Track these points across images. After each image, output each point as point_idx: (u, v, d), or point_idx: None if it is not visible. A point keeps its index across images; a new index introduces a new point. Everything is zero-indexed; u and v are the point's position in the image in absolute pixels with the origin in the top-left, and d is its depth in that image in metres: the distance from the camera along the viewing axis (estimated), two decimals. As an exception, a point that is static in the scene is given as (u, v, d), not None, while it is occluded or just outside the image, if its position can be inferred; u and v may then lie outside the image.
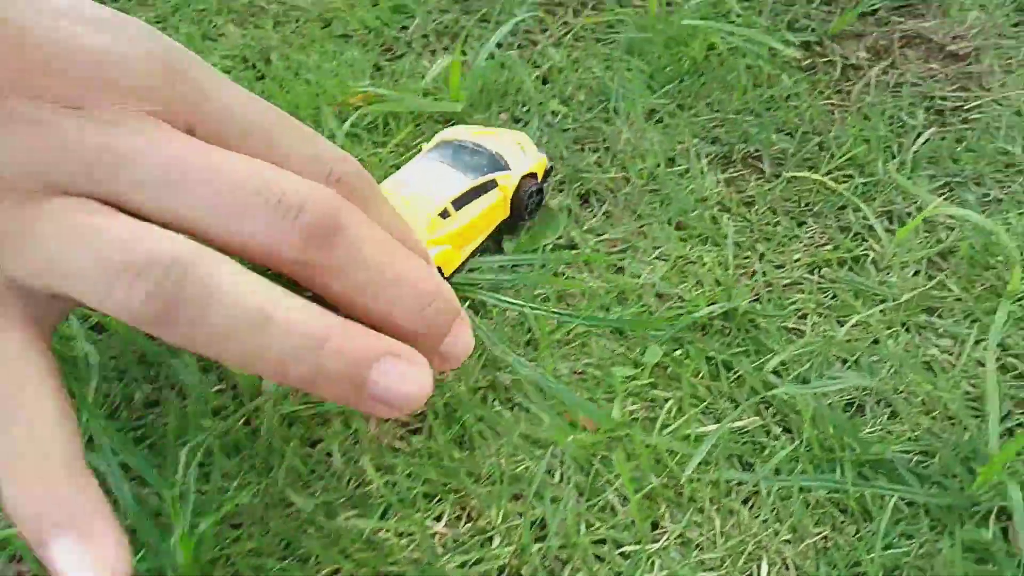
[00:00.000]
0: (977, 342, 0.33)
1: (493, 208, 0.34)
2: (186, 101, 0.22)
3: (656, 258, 0.36)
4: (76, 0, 0.22)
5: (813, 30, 0.48)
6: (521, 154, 0.36)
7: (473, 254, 0.34)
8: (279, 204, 0.21)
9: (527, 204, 0.36)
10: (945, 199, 0.39)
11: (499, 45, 0.46)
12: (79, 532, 0.20)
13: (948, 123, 0.43)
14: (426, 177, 0.34)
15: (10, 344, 0.21)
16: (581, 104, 0.43)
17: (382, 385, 0.21)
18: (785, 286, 0.35)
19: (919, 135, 0.42)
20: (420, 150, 0.37)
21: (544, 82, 0.45)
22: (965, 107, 0.43)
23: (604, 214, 0.38)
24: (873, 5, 0.48)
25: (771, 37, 0.46)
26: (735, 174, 0.40)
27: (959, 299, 0.34)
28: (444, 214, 0.33)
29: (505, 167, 0.35)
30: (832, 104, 0.44)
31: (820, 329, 0.33)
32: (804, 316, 0.34)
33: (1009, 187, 0.39)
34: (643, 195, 0.38)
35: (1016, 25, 0.49)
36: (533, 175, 0.36)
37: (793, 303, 0.34)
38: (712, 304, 0.33)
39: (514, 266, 0.35)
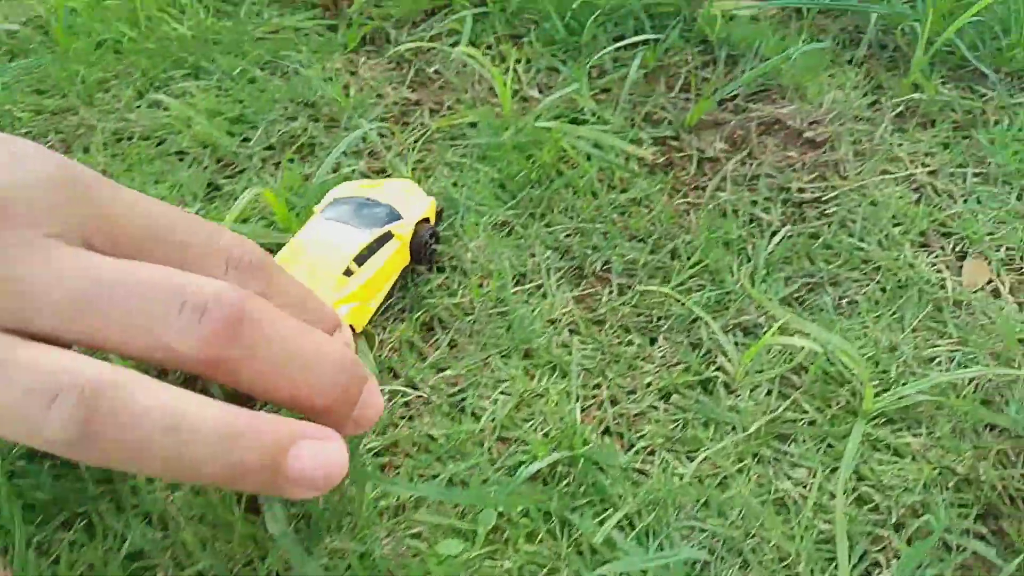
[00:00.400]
0: (833, 470, 0.31)
1: (394, 258, 0.35)
2: (84, 217, 0.23)
3: (501, 393, 0.34)
4: None
5: (670, 122, 0.47)
6: (412, 202, 0.37)
7: (384, 302, 0.36)
8: (182, 310, 0.22)
9: (425, 248, 0.37)
10: (801, 303, 0.38)
11: (345, 153, 0.44)
12: None
13: (805, 217, 0.42)
14: (324, 239, 0.34)
15: None
16: (429, 219, 0.41)
17: (298, 468, 0.23)
18: (635, 416, 0.33)
19: (775, 233, 0.41)
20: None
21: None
22: (823, 198, 0.43)
23: (449, 344, 0.36)
24: (731, 92, 0.48)
25: (624, 138, 0.45)
26: (586, 291, 0.38)
27: (812, 422, 0.33)
28: (348, 272, 0.33)
29: (398, 217, 0.36)
30: (688, 203, 0.42)
31: (669, 467, 0.31)
32: (652, 453, 0.32)
33: (866, 286, 0.38)
34: (490, 320, 0.36)
35: (873, 104, 0.48)
36: (426, 219, 0.37)
37: (642, 435, 0.32)
38: (554, 450, 0.31)
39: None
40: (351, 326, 0.33)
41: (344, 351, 0.25)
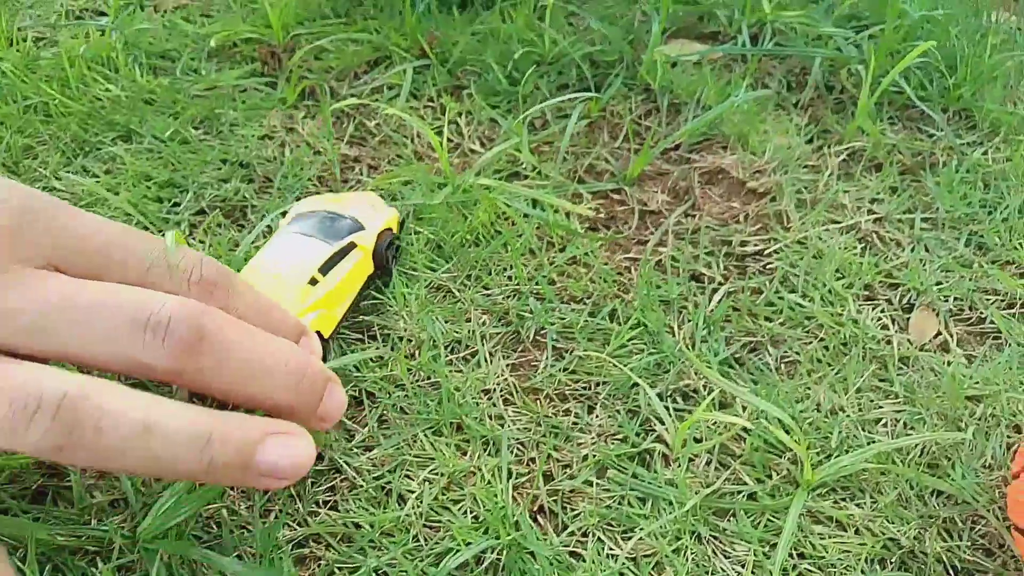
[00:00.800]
0: (773, 546, 0.30)
1: (358, 267, 0.37)
2: (51, 241, 0.25)
3: (430, 472, 0.32)
4: None
5: (612, 174, 0.46)
6: (374, 213, 0.39)
7: (350, 309, 0.37)
8: (146, 328, 0.24)
9: (386, 256, 0.38)
10: (742, 364, 0.37)
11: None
12: None
13: (747, 271, 0.41)
14: (289, 251, 0.36)
15: None
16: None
17: (268, 462, 0.25)
18: (569, 493, 0.32)
19: (716, 290, 0.39)
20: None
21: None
22: (765, 251, 0.42)
23: (378, 420, 0.34)
24: (674, 142, 0.47)
25: (565, 192, 0.44)
26: (522, 358, 0.37)
27: (752, 494, 0.32)
28: (313, 281, 0.35)
29: (360, 228, 0.37)
30: (629, 259, 0.41)
31: (603, 550, 0.30)
32: (586, 534, 0.30)
33: (808, 344, 0.37)
34: (421, 393, 0.35)
35: (818, 149, 0.48)
36: (389, 229, 0.39)
37: (576, 515, 0.31)
38: (484, 535, 0.30)
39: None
40: (319, 332, 0.34)
41: (302, 355, 0.28)
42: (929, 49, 0.49)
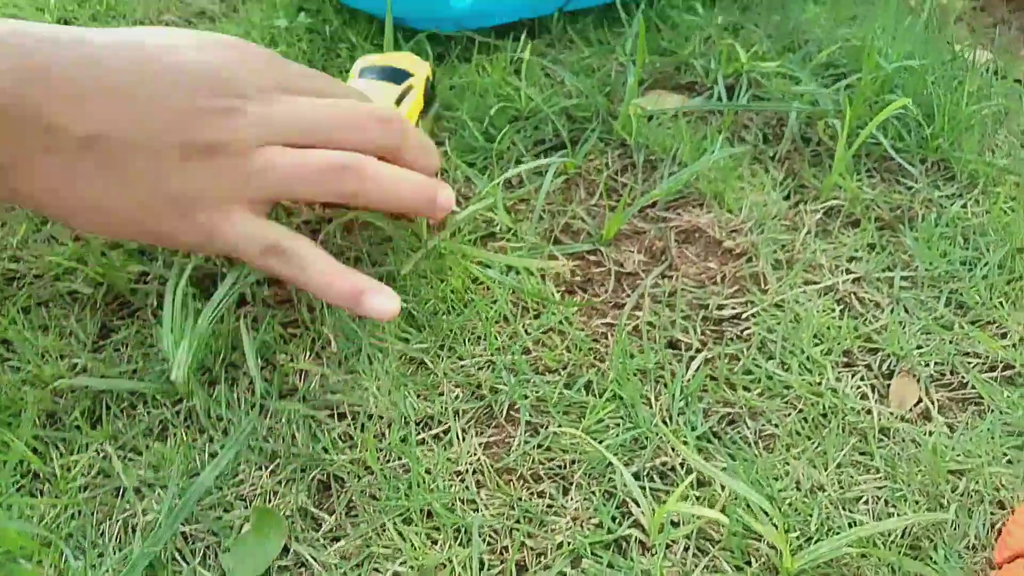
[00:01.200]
0: (752, 638, 0.29)
1: (415, 102, 0.48)
2: (282, 74, 0.38)
3: (399, 565, 0.31)
4: (219, 42, 0.37)
5: (589, 234, 0.45)
6: (416, 65, 0.49)
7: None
8: (380, 121, 0.39)
9: (429, 95, 0.50)
10: (720, 439, 0.36)
11: (242, 297, 0.41)
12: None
13: (724, 336, 0.40)
14: (371, 90, 0.46)
15: (273, 223, 0.37)
16: (332, 357, 0.39)
17: (442, 199, 0.40)
18: (544, 584, 0.31)
19: (693, 358, 0.39)
20: None
21: (288, 339, 0.40)
22: (743, 315, 0.41)
23: (347, 507, 0.33)
24: (651, 199, 0.46)
25: (540, 253, 0.43)
26: (496, 435, 0.36)
27: (731, 584, 0.31)
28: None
29: (410, 75, 0.48)
30: (606, 324, 0.41)
31: (577, 647, 0.29)
32: (559, 632, 0.30)
33: (787, 416, 0.37)
34: (392, 476, 0.34)
35: (795, 205, 0.47)
36: (428, 77, 0.50)
37: (551, 609, 0.30)
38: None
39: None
40: None
41: (432, 143, 0.44)
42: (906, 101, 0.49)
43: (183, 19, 0.66)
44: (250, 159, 0.36)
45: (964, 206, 0.48)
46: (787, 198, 0.48)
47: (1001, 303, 0.42)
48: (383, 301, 0.36)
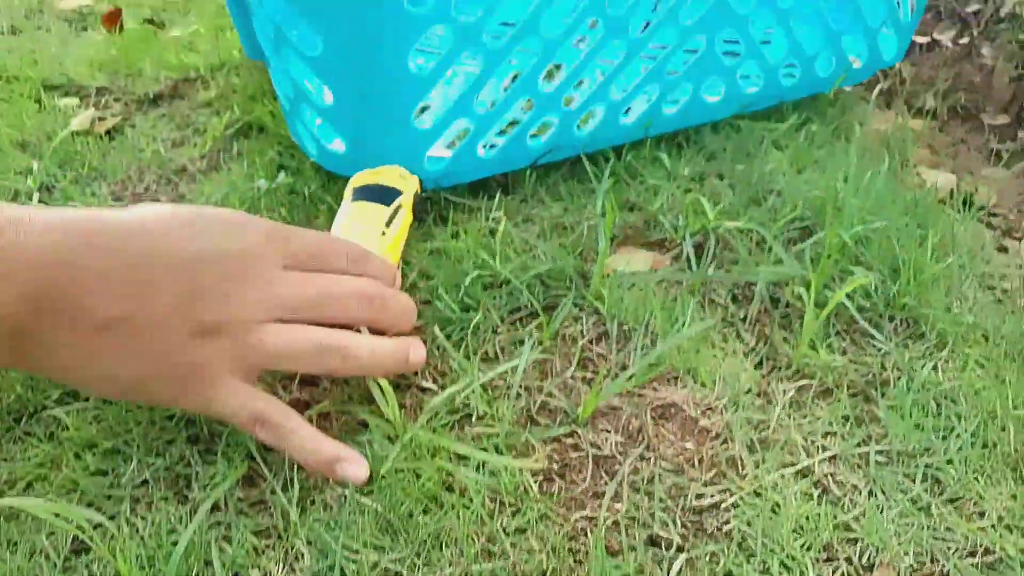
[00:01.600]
0: None
1: (405, 219, 0.53)
2: (289, 252, 0.43)
3: None
4: (222, 222, 0.42)
5: (566, 413, 0.45)
6: (404, 182, 0.54)
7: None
8: (362, 299, 0.44)
9: (418, 209, 0.55)
10: (704, 650, 0.35)
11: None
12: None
13: (705, 528, 0.40)
14: (363, 213, 0.52)
15: (263, 394, 0.42)
16: (305, 570, 0.38)
17: (413, 356, 0.45)
18: None
19: (674, 558, 0.38)
20: None
21: (261, 551, 0.39)
22: (722, 504, 0.41)
23: None
24: (625, 386, 0.47)
25: (516, 440, 0.43)
26: (474, 656, 0.35)
27: None
28: (383, 233, 0.51)
29: (400, 192, 0.53)
30: (585, 518, 0.40)
31: None
32: None
33: (769, 622, 0.36)
34: None
35: (768, 375, 0.48)
36: (416, 191, 0.55)
37: None
38: None
39: None
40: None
41: (411, 301, 0.48)
42: (871, 260, 0.50)
43: (164, 177, 0.67)
44: (248, 335, 0.40)
45: (935, 367, 0.48)
46: (759, 365, 0.48)
47: (977, 478, 0.43)
48: (356, 470, 0.41)
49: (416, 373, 0.48)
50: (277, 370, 0.45)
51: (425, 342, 0.49)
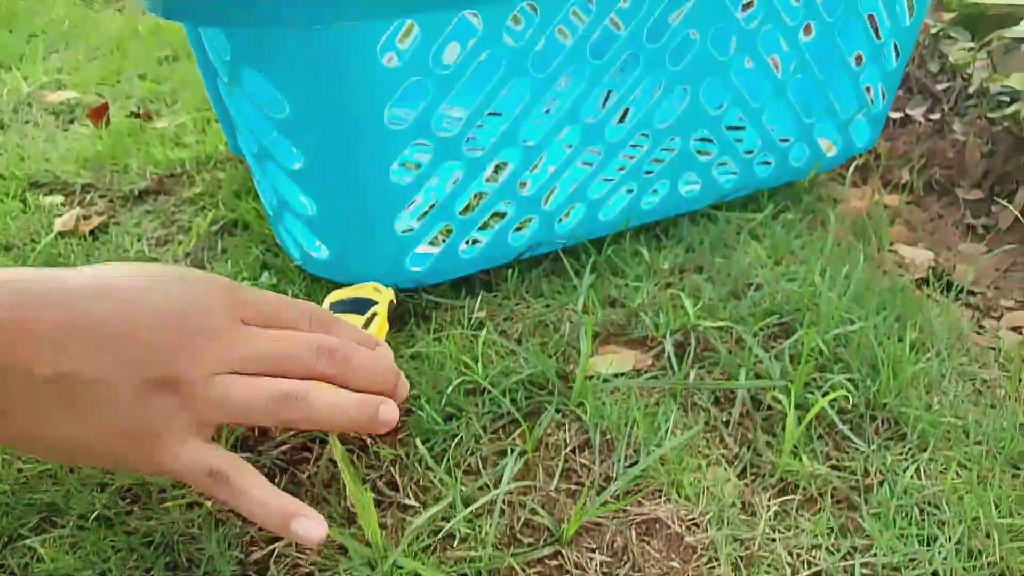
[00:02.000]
0: None
1: (380, 326, 0.54)
2: (246, 309, 0.43)
3: None
4: (178, 279, 0.41)
5: (550, 531, 0.45)
6: (378, 294, 0.56)
7: None
8: (321, 351, 0.43)
9: (392, 317, 0.57)
10: None
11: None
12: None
13: (692, 656, 0.39)
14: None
15: (218, 449, 0.40)
16: None
17: (382, 414, 0.43)
18: None
19: None
20: None
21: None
22: (707, 629, 0.40)
23: None
24: (608, 509, 0.46)
25: (501, 563, 0.43)
26: None
27: None
28: None
29: (375, 303, 0.55)
30: (570, 647, 0.40)
31: None
32: None
33: None
34: None
35: (751, 484, 0.48)
36: (391, 300, 0.57)
37: None
38: None
39: None
40: None
41: (390, 361, 0.47)
42: (850, 359, 0.51)
43: (148, 277, 0.67)
44: (198, 390, 0.39)
45: (918, 470, 0.49)
46: (743, 474, 0.48)
47: (963, 591, 0.42)
48: (311, 527, 0.39)
49: (398, 489, 0.48)
50: (237, 424, 0.45)
51: (408, 455, 0.49)
